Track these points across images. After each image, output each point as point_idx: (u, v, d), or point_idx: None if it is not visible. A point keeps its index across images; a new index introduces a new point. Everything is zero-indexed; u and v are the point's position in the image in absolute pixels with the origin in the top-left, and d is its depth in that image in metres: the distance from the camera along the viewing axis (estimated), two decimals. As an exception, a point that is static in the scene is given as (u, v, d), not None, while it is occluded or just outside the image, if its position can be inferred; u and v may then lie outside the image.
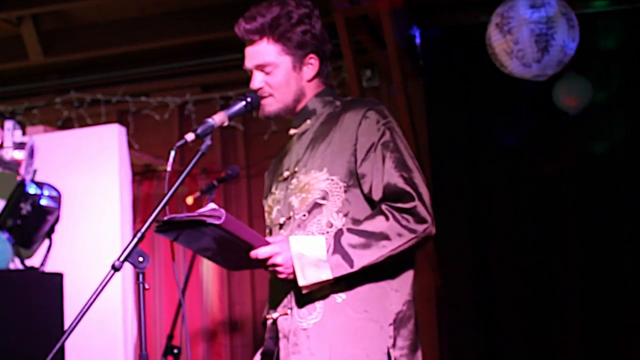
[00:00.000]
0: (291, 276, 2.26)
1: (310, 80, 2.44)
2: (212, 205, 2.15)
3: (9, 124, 3.80)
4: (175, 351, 4.21)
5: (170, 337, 4.27)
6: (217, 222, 2.11)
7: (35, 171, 3.93)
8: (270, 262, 2.25)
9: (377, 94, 5.33)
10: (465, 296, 4.89)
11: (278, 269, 2.26)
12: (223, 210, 2.13)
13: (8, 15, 5.25)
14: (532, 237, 4.84)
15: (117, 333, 3.89)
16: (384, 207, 2.26)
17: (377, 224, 2.23)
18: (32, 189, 3.80)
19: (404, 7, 4.98)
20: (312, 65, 2.43)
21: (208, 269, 5.44)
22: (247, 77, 2.48)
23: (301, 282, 2.24)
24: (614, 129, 4.77)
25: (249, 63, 2.44)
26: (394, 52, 4.70)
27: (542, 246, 4.82)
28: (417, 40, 5.17)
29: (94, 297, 2.06)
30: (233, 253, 2.28)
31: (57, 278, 3.69)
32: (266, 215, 2.52)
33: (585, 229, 4.75)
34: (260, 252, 2.24)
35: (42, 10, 5.25)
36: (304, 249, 2.24)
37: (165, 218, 2.17)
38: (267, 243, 2.25)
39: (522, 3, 4.03)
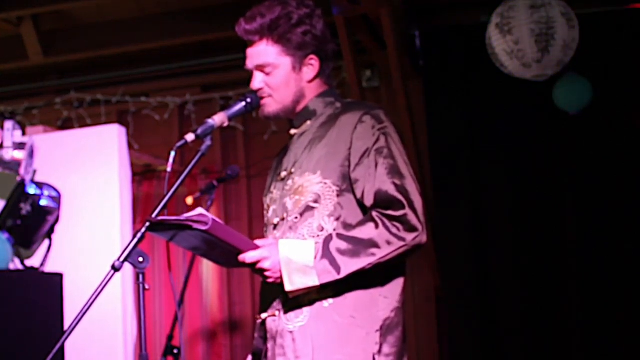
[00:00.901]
0: (279, 280, 2.26)
1: (310, 81, 2.44)
2: (200, 210, 2.15)
3: (9, 124, 3.80)
4: (175, 351, 4.21)
5: (170, 337, 4.26)
6: (203, 227, 2.13)
7: (35, 171, 3.93)
8: (258, 266, 2.25)
9: (377, 94, 5.34)
10: (465, 296, 4.89)
11: (266, 273, 2.26)
12: (210, 216, 2.13)
13: (8, 15, 5.25)
14: (532, 237, 4.83)
15: (117, 333, 3.89)
16: (374, 214, 2.25)
17: (367, 231, 2.23)
18: (32, 189, 3.80)
19: (404, 7, 4.98)
20: (312, 66, 2.43)
21: (208, 269, 5.44)
22: (247, 77, 2.48)
23: (288, 287, 2.24)
24: (614, 129, 4.77)
25: (249, 63, 2.44)
26: (394, 52, 4.70)
27: (542, 246, 4.81)
28: (417, 40, 5.17)
29: (94, 297, 2.07)
30: (223, 254, 2.29)
31: (57, 278, 3.69)
32: (265, 212, 2.53)
33: (585, 229, 4.74)
34: (247, 257, 2.24)
35: (42, 10, 5.24)
36: (292, 254, 2.24)
37: (155, 218, 2.17)
38: (256, 247, 2.25)
39: (522, 3, 4.03)
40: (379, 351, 2.27)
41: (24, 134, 3.88)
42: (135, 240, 2.13)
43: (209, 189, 4.18)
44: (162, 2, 5.33)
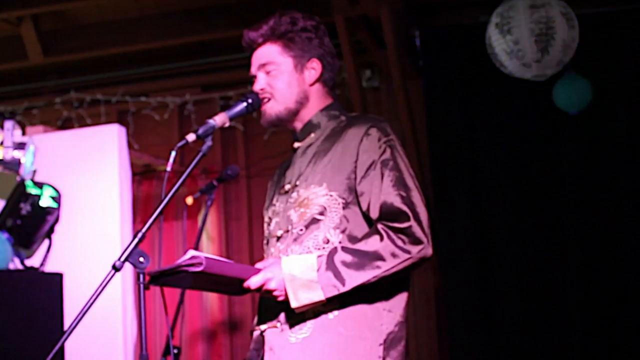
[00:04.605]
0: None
1: (312, 85, 2.45)
2: (191, 253, 2.16)
3: (9, 124, 3.80)
4: (175, 351, 4.20)
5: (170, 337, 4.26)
6: (198, 269, 2.13)
7: (35, 171, 3.93)
8: (264, 288, 2.24)
9: (377, 94, 5.34)
10: (465, 296, 4.89)
11: (274, 293, 2.25)
12: (202, 256, 2.13)
13: (8, 15, 5.25)
14: (532, 236, 4.83)
15: (117, 333, 3.89)
16: (379, 226, 2.24)
17: (372, 244, 2.22)
18: (32, 189, 3.80)
19: (404, 7, 4.98)
20: (314, 69, 2.44)
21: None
22: (247, 77, 2.49)
23: (294, 304, 2.23)
24: (614, 129, 4.77)
25: (253, 68, 2.46)
26: (394, 52, 4.70)
27: (542, 246, 4.81)
28: (417, 40, 5.17)
29: (94, 297, 2.07)
30: (230, 285, 2.30)
31: (57, 278, 3.69)
32: (265, 225, 2.51)
33: (585, 229, 4.74)
34: (252, 283, 2.23)
35: (42, 10, 5.25)
36: (295, 270, 2.22)
37: (154, 272, 2.18)
38: (257, 271, 2.25)
39: (522, 3, 4.03)
40: None
41: (24, 134, 3.88)
42: (136, 240, 2.13)
43: (208, 188, 4.18)
44: (162, 2, 5.33)
